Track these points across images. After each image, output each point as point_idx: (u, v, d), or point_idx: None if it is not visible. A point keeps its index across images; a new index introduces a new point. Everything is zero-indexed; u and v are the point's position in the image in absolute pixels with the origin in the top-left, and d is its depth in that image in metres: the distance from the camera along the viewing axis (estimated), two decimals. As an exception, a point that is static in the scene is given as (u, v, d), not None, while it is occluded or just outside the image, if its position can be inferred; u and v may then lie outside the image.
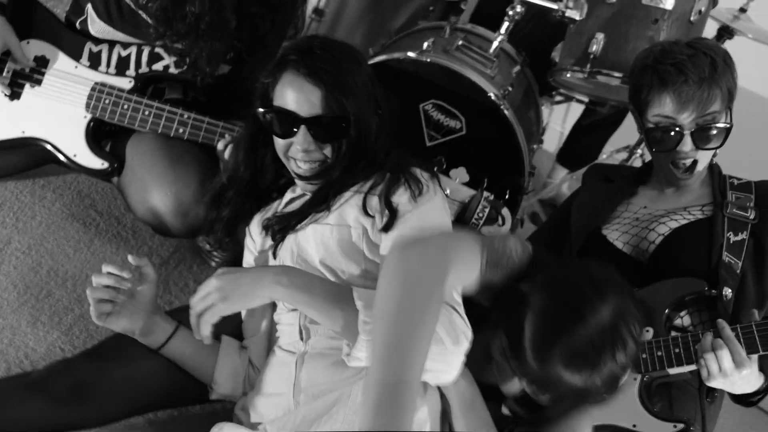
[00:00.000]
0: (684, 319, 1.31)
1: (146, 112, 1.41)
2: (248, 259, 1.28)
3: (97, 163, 1.43)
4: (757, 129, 2.36)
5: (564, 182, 2.47)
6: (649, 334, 1.25)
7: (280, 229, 1.14)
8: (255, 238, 1.27)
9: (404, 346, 0.83)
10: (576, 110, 2.51)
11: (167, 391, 1.22)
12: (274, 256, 1.16)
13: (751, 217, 1.31)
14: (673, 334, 1.26)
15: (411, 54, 1.73)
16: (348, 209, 1.12)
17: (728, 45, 1.90)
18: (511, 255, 1.10)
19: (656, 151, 1.35)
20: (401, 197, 1.09)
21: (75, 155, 1.43)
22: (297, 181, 1.19)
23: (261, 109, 1.14)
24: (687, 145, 1.29)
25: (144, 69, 1.45)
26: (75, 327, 1.44)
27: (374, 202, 1.10)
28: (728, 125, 1.30)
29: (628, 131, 2.27)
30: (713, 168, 1.43)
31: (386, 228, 1.07)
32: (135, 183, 1.44)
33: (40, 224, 1.58)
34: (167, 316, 1.19)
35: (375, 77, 1.18)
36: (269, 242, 1.19)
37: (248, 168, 1.22)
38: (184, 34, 1.34)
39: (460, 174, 1.30)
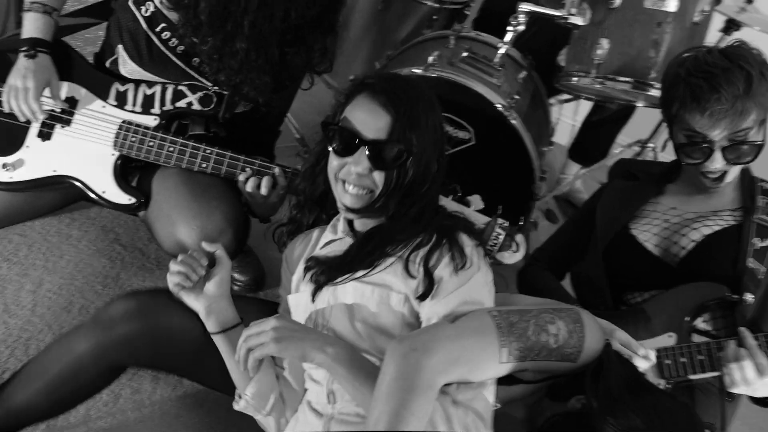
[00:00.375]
0: (708, 324, 1.32)
1: (171, 149, 1.46)
2: (285, 284, 1.30)
3: (124, 199, 1.48)
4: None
5: (577, 178, 2.47)
6: (672, 339, 1.27)
7: (323, 280, 1.15)
8: (290, 267, 1.28)
9: None
10: (587, 102, 2.50)
11: (216, 365, 1.22)
12: (312, 299, 1.17)
13: None
14: (696, 339, 1.28)
15: (416, 70, 1.74)
16: (391, 274, 1.10)
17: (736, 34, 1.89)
18: (548, 343, 1.02)
19: (687, 164, 1.33)
20: (443, 270, 1.08)
21: (104, 192, 1.48)
22: (341, 209, 1.18)
23: (327, 123, 1.16)
24: (718, 161, 1.26)
25: (168, 106, 1.50)
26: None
27: (416, 267, 1.09)
28: (761, 142, 1.26)
29: (640, 126, 2.27)
30: (743, 171, 1.39)
31: (422, 297, 1.07)
32: (161, 218, 1.48)
33: (69, 263, 1.64)
34: (235, 312, 1.20)
35: (444, 128, 1.19)
36: (303, 285, 1.20)
37: (306, 181, 1.26)
38: (237, 70, 1.39)
39: (475, 201, 1.31)
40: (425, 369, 0.94)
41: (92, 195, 1.48)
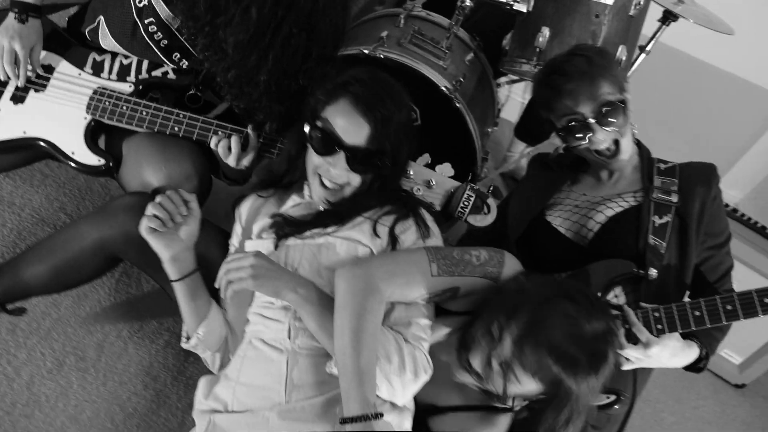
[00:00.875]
0: (619, 298, 1.42)
1: (144, 113, 1.47)
2: (234, 238, 1.39)
3: (93, 160, 1.49)
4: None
5: (523, 157, 2.56)
6: None
7: (290, 231, 1.25)
8: (243, 218, 1.37)
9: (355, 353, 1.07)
10: (535, 82, 2.57)
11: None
12: (276, 247, 1.26)
13: (674, 200, 1.42)
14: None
15: (365, 50, 1.76)
16: (359, 232, 1.23)
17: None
18: (471, 261, 1.19)
19: (576, 146, 1.46)
20: (409, 235, 1.24)
21: (73, 153, 1.48)
22: (316, 200, 1.28)
23: (308, 126, 1.23)
24: (597, 131, 1.40)
25: (144, 75, 1.52)
26: (53, 331, 1.52)
27: (384, 229, 1.23)
28: (621, 98, 1.41)
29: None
30: (643, 153, 1.53)
31: None
32: (131, 164, 1.50)
33: (11, 231, 1.63)
34: (194, 260, 1.29)
35: (412, 118, 1.27)
36: (266, 234, 1.29)
37: (284, 166, 1.35)
38: (257, 99, 1.42)
39: (445, 169, 1.39)
40: (369, 276, 1.12)
41: (61, 156, 1.48)
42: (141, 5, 1.45)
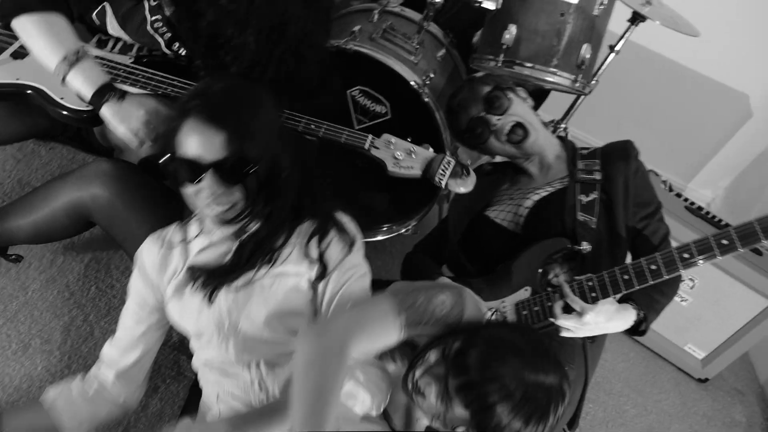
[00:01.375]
0: (560, 278, 1.49)
1: (140, 76, 1.50)
2: (136, 285, 1.28)
3: (82, 105, 1.47)
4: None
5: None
6: (527, 292, 1.45)
7: (219, 283, 1.17)
8: (149, 271, 1.26)
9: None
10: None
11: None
12: (210, 300, 1.19)
13: (598, 178, 1.52)
14: (549, 289, 1.44)
15: (335, 43, 1.80)
16: (293, 263, 1.17)
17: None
18: (435, 311, 1.13)
19: (485, 142, 1.61)
20: (333, 248, 1.18)
21: (62, 99, 1.48)
22: (214, 225, 1.20)
23: (167, 162, 1.12)
24: (492, 119, 1.57)
25: (144, 53, 1.60)
26: (20, 313, 1.55)
27: (315, 251, 1.17)
28: (493, 87, 1.61)
29: (552, 107, 2.39)
30: (567, 145, 1.65)
31: (317, 279, 1.16)
32: None
33: (-19, 215, 1.66)
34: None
35: (279, 117, 1.19)
36: (190, 291, 1.21)
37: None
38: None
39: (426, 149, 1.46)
40: (334, 332, 1.03)
41: (50, 105, 1.48)
42: (154, 3, 1.53)
